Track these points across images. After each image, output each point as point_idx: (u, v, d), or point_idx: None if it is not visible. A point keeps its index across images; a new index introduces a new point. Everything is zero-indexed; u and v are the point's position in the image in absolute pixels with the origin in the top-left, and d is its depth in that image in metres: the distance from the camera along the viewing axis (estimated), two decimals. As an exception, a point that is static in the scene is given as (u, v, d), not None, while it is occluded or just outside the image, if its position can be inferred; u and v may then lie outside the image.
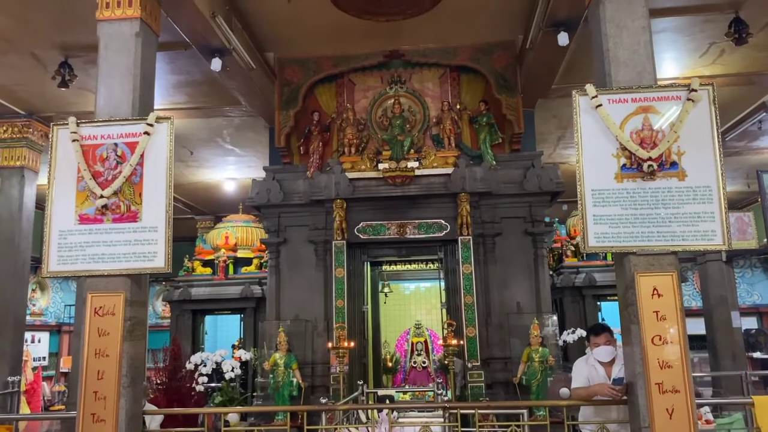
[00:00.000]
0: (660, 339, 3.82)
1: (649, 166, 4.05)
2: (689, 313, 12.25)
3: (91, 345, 4.16)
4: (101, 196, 4.34)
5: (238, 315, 10.99)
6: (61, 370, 15.87)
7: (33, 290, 15.53)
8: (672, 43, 7.75)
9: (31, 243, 9.27)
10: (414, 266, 9.86)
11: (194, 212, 15.33)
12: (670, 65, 8.29)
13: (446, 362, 7.41)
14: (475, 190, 7.85)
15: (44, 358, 15.98)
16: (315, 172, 8.21)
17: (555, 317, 7.88)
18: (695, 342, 11.13)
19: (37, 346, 15.66)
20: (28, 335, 12.59)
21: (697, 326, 11.28)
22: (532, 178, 7.97)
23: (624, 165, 4.14)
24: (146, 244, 4.33)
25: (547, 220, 8.24)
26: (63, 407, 13.27)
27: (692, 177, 4.07)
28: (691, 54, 8.03)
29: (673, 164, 4.10)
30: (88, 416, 4.04)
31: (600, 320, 9.31)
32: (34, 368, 14.10)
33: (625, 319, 4.05)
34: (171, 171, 4.46)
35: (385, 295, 11.31)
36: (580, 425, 4.49)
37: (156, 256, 4.31)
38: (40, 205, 7.69)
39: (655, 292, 3.89)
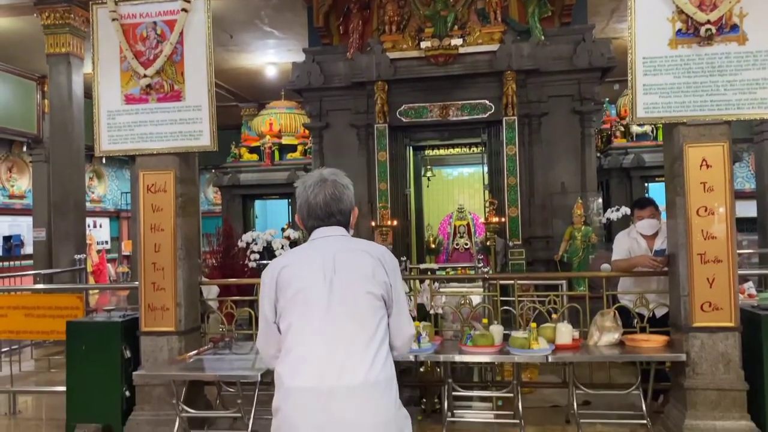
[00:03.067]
0: (705, 210, 3.76)
1: (707, 30, 3.79)
2: (742, 195, 12.00)
3: (147, 220, 4.38)
4: (144, 76, 4.38)
5: (286, 200, 11.31)
6: (123, 254, 16.90)
7: (90, 178, 16.22)
8: None
9: (83, 130, 9.51)
10: (457, 150, 9.77)
11: (238, 99, 15.38)
12: None
13: (488, 243, 7.53)
14: (522, 67, 7.57)
15: (107, 242, 17.00)
16: (355, 53, 8.03)
17: (600, 198, 7.81)
18: (746, 224, 10.91)
19: (99, 231, 16.62)
20: (89, 221, 13.29)
21: (750, 209, 11.02)
22: (583, 53, 7.61)
23: (679, 30, 3.88)
24: (191, 123, 4.40)
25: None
26: (128, 286, 14.25)
27: (754, 41, 3.80)
28: None
29: (734, 27, 3.83)
30: (149, 285, 4.33)
31: (646, 201, 9.20)
32: (99, 251, 15.05)
33: (671, 191, 3.98)
34: (210, 49, 4.42)
35: (428, 179, 11.33)
36: (619, 296, 4.57)
37: (202, 135, 4.39)
38: (88, 93, 7.83)
39: (704, 162, 3.77)
